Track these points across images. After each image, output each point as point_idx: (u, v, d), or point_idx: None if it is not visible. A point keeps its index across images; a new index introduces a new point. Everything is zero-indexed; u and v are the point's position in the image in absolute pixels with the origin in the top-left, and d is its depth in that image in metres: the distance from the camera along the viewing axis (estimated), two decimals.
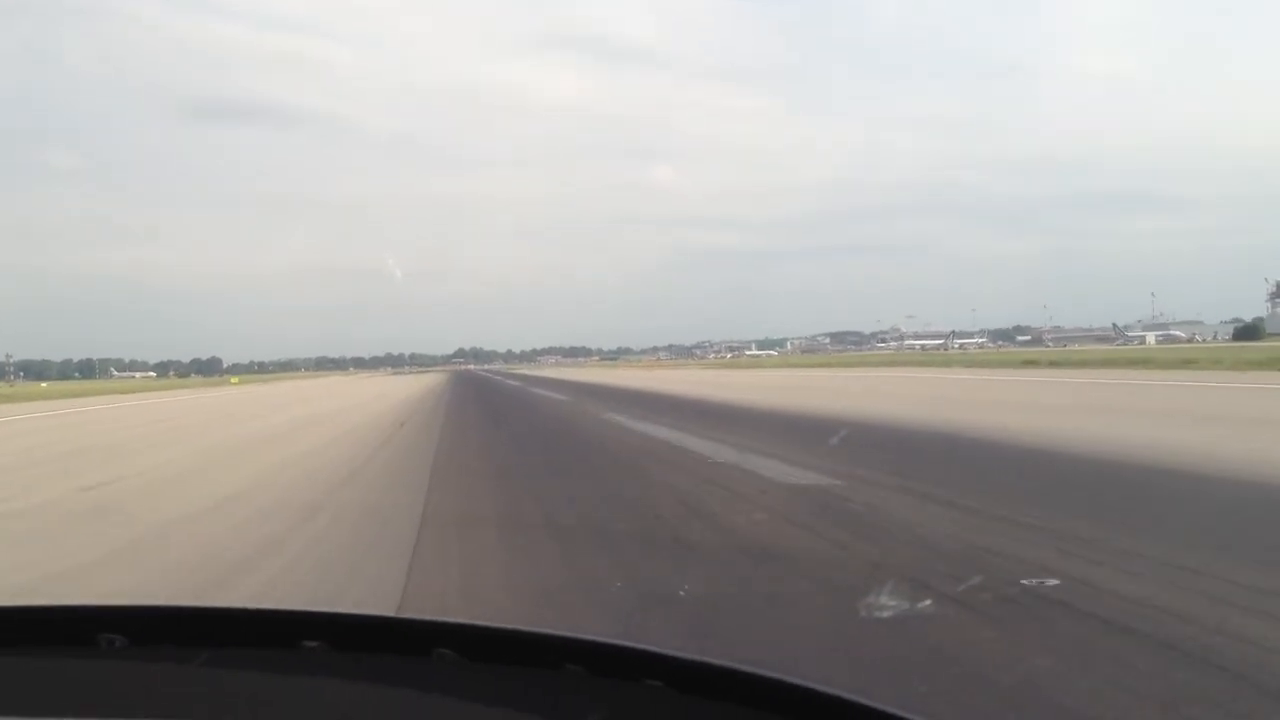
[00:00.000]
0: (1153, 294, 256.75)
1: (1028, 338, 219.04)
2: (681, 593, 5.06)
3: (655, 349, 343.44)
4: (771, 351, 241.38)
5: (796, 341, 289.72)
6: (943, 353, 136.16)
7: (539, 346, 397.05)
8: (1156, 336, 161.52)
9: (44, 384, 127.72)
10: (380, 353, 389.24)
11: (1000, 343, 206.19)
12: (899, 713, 0.97)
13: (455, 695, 1.08)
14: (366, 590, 5.47)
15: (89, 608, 1.27)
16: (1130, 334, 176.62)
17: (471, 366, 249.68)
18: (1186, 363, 37.33)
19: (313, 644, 1.14)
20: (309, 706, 1.09)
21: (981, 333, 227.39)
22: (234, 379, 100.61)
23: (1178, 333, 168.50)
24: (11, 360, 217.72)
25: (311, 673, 1.13)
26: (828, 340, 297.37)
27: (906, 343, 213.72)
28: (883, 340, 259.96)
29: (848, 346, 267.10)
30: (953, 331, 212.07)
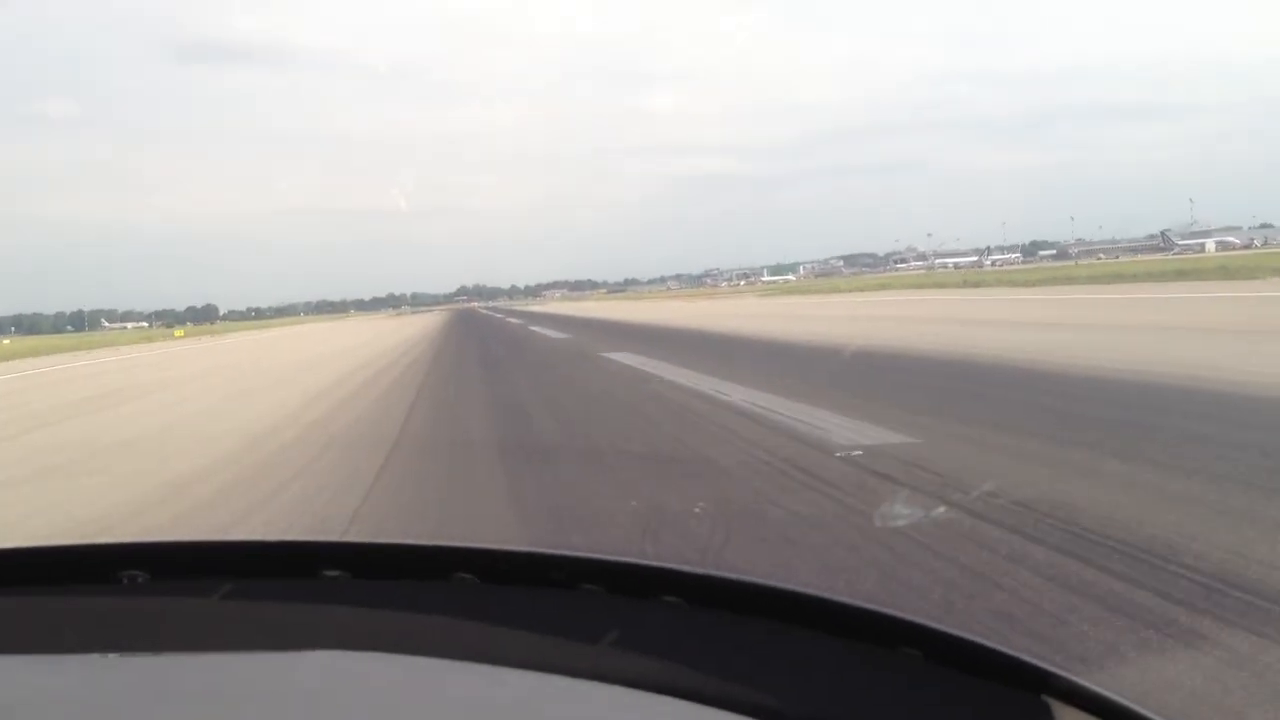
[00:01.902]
0: (1191, 200, 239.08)
1: (1052, 252, 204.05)
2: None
3: (663, 279, 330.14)
4: (789, 276, 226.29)
5: (809, 265, 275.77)
6: (979, 270, 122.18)
7: (544, 281, 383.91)
8: (1216, 244, 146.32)
9: (6, 341, 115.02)
10: (382, 293, 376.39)
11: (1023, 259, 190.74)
12: (914, 619, 0.96)
13: (475, 618, 1.08)
14: None
15: (110, 545, 1.25)
16: (1180, 242, 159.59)
17: (475, 304, 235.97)
18: None
19: (333, 573, 1.14)
20: (331, 634, 1.08)
21: (1015, 248, 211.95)
22: (178, 331, 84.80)
23: (1232, 239, 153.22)
24: None
25: (332, 600, 1.13)
26: (841, 263, 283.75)
27: (938, 262, 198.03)
28: (902, 260, 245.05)
29: (862, 269, 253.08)
30: (988, 248, 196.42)
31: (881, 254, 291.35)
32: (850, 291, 65.82)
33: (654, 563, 1.10)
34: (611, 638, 1.01)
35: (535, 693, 0.97)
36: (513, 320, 55.87)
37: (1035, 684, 0.91)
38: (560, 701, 0.96)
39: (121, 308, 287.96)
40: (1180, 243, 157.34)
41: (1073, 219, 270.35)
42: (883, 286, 69.33)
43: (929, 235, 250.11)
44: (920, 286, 62.38)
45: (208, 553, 1.27)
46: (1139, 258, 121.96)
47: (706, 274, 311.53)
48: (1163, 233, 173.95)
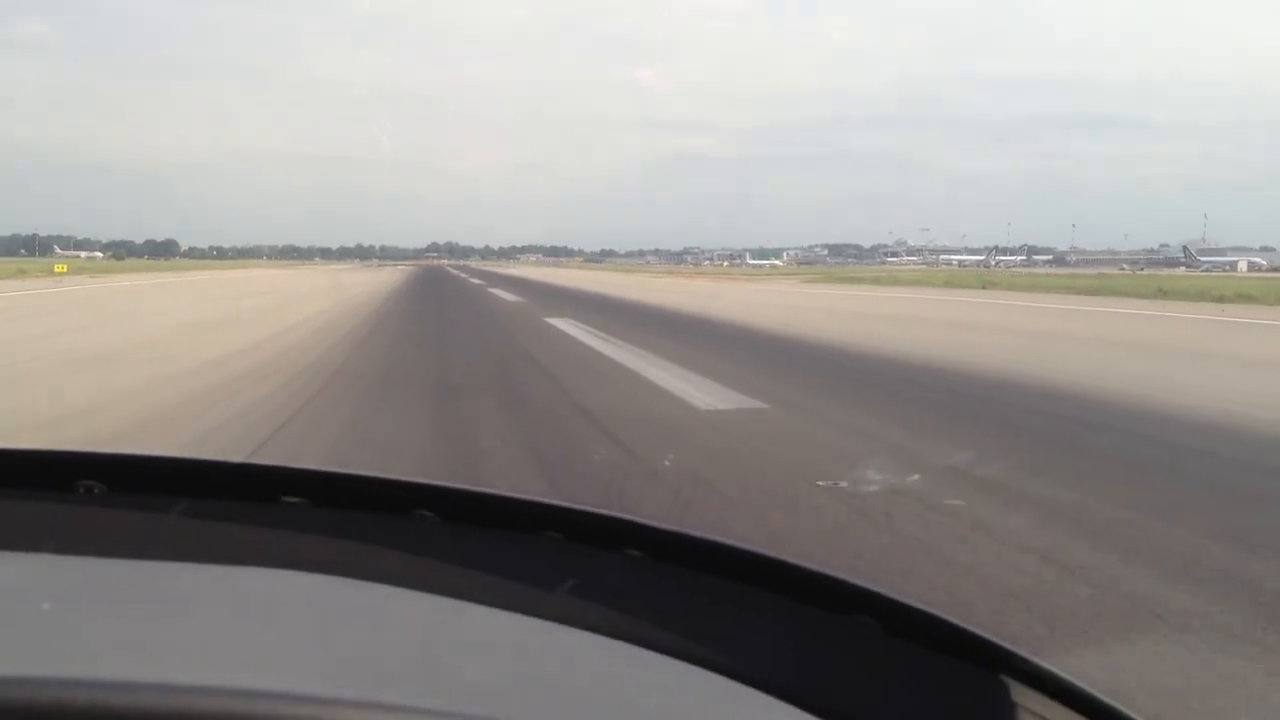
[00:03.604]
0: (1205, 216, 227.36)
1: (1048, 258, 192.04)
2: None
3: (641, 252, 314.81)
4: (776, 261, 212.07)
5: (792, 252, 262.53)
6: (986, 270, 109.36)
7: (519, 244, 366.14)
8: (1249, 262, 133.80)
9: None
10: (350, 244, 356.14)
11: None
12: (876, 588, 0.95)
13: (432, 555, 1.06)
14: None
15: (69, 453, 1.23)
16: (1205, 259, 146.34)
17: (445, 262, 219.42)
18: None
19: (292, 499, 1.13)
20: (286, 557, 1.05)
21: (1020, 250, 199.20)
22: (60, 266, 66.78)
23: (1259, 260, 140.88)
24: None
25: (290, 526, 1.11)
26: (825, 251, 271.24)
27: (942, 258, 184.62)
28: (893, 254, 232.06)
29: (847, 260, 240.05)
30: (995, 247, 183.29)
31: (867, 246, 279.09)
32: (889, 285, 51.37)
33: (617, 514, 1.07)
34: (569, 585, 0.99)
35: (488, 626, 0.94)
36: (503, 297, 34.11)
37: (995, 663, 0.88)
38: (513, 634, 0.94)
39: (80, 235, 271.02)
40: (1205, 260, 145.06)
41: (1074, 226, 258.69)
42: (945, 282, 55.21)
43: (925, 230, 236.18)
44: (965, 285, 48.45)
45: (168, 469, 1.23)
46: (1174, 272, 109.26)
47: (686, 251, 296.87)
48: (1184, 248, 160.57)
